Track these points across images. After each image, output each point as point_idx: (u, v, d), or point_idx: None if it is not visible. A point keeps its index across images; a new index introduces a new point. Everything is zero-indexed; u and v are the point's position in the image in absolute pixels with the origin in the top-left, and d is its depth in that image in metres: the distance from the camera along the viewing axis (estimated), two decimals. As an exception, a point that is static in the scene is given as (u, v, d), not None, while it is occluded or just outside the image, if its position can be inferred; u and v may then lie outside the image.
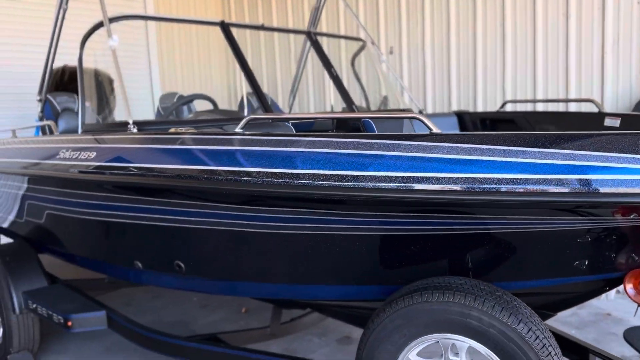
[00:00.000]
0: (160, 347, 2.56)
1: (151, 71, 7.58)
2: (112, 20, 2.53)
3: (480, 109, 5.28)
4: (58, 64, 6.39)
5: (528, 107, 4.93)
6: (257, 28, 2.92)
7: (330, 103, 3.27)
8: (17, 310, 3.14)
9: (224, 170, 1.76)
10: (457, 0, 5.45)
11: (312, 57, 3.68)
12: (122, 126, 2.34)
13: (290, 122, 2.52)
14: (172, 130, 2.05)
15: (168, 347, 2.53)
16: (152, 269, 2.44)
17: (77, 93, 4.91)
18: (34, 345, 3.32)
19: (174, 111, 3.13)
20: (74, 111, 3.76)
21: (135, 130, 2.26)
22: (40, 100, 3.23)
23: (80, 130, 2.62)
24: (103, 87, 4.96)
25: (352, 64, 3.66)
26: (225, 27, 2.74)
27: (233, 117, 2.65)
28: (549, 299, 2.01)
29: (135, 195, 2.14)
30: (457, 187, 1.45)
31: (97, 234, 2.54)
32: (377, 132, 2.09)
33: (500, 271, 1.82)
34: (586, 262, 1.67)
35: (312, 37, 3.21)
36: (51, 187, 2.58)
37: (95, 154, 2.23)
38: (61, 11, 3.02)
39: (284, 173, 1.63)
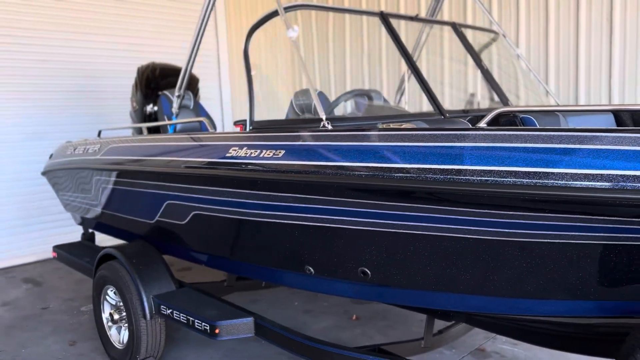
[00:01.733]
0: (323, 358, 2.38)
1: (220, 69, 7.48)
2: (288, 9, 2.35)
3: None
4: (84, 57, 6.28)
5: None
6: (412, 19, 2.75)
7: (477, 100, 3.10)
8: (148, 316, 2.99)
9: (470, 170, 1.57)
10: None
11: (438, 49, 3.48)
12: (309, 123, 2.16)
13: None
14: (384, 126, 1.87)
15: (333, 358, 2.34)
16: (326, 275, 2.26)
17: (166, 89, 4.81)
18: (158, 352, 3.18)
19: (305, 108, 2.94)
20: (190, 108, 3.61)
21: (330, 127, 2.08)
22: (178, 97, 3.08)
23: (248, 128, 2.45)
24: (191, 86, 4.84)
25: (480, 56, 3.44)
26: (384, 18, 2.56)
27: (422, 113, 2.46)
28: None
29: (327, 196, 1.96)
30: None
31: (263, 237, 2.37)
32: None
33: None
34: None
35: (458, 29, 3.02)
36: (211, 187, 2.41)
37: (283, 152, 2.05)
38: (208, 9, 2.86)
39: (564, 174, 1.44)
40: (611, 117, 2.98)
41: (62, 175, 3.96)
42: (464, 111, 2.60)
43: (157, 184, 2.84)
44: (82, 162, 3.52)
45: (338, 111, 2.99)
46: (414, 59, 3.93)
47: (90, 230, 4.49)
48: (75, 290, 4.91)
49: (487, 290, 1.90)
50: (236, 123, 2.55)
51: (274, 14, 2.39)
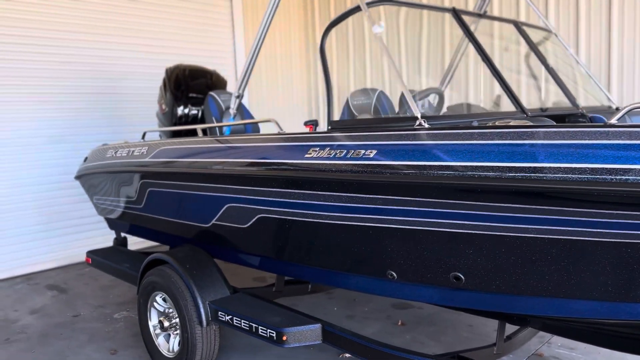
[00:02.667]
0: None
1: (236, 68, 7.38)
2: (371, 4, 2.27)
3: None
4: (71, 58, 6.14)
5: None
6: (480, 16, 2.69)
7: (541, 98, 3.04)
8: (204, 323, 2.89)
9: (609, 169, 1.50)
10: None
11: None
12: (398, 122, 2.07)
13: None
14: (492, 123, 1.79)
15: None
16: (411, 280, 2.17)
17: (196, 93, 4.71)
18: (212, 359, 3.08)
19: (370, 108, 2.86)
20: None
21: (427, 125, 1.99)
22: (238, 97, 2.98)
23: (327, 127, 2.36)
24: (220, 87, 4.75)
25: (529, 55, 3.38)
26: (457, 14, 2.49)
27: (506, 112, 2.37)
28: None
29: (425, 197, 1.88)
30: None
31: (341, 241, 2.27)
32: None
33: None
34: None
35: (519, 27, 2.95)
36: (285, 189, 2.32)
37: (375, 151, 1.97)
38: (272, 10, 2.76)
39: None
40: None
41: (99, 178, 3.84)
42: (541, 109, 2.54)
43: (217, 187, 2.74)
44: (126, 164, 3.41)
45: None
46: (457, 60, 3.87)
47: (122, 235, 4.38)
48: (103, 297, 4.78)
49: (596, 294, 1.83)
50: (307, 123, 2.46)
51: (356, 9, 2.30)
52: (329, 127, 2.36)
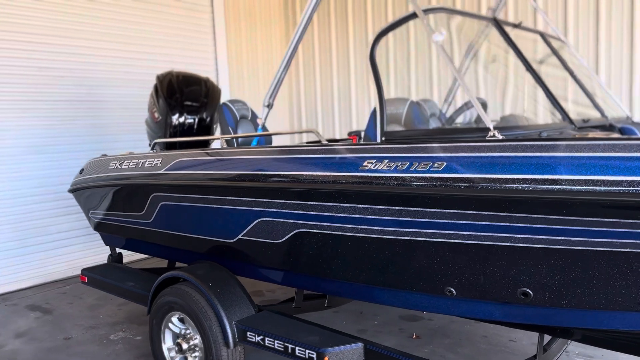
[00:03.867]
0: None
1: (218, 75, 7.21)
2: (427, 11, 2.19)
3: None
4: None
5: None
6: (515, 26, 2.67)
7: (566, 108, 3.06)
8: (232, 344, 2.73)
9: None
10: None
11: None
12: (464, 133, 2.00)
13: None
14: (575, 135, 1.75)
15: None
16: (472, 296, 2.10)
17: (192, 100, 4.52)
18: (236, 383, 2.91)
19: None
20: (248, 119, 3.38)
21: (500, 136, 1.93)
22: (268, 106, 2.84)
23: (379, 138, 2.26)
24: (213, 98, 4.59)
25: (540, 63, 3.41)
26: (498, 23, 2.47)
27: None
28: None
29: (503, 212, 1.82)
30: None
31: (393, 257, 2.17)
32: None
33: None
34: None
35: (546, 38, 2.96)
36: (334, 203, 2.21)
37: (445, 164, 1.89)
38: (307, 17, 2.65)
39: None
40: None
41: (99, 192, 3.61)
42: (583, 121, 2.54)
43: (248, 201, 2.60)
44: (136, 177, 3.21)
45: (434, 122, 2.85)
46: (464, 70, 3.87)
47: (118, 251, 4.14)
48: (92, 317, 4.50)
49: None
50: (351, 134, 2.36)
51: (412, 16, 2.23)
52: (383, 138, 2.27)
